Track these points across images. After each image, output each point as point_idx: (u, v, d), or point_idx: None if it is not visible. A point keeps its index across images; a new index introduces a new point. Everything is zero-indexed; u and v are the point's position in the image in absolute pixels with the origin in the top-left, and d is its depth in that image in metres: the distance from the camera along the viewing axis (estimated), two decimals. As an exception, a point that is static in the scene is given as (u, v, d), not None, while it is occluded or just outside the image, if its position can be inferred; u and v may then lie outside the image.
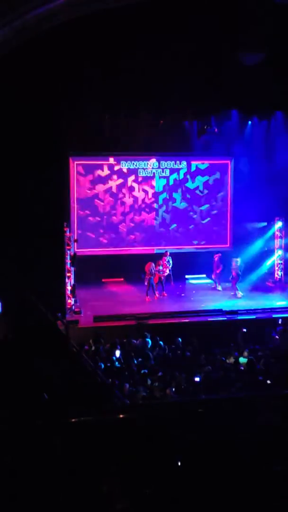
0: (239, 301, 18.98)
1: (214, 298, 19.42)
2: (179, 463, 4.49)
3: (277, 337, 15.30)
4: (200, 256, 21.98)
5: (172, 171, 22.51)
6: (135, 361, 12.95)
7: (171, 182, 22.51)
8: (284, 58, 15.32)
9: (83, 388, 9.71)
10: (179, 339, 14.52)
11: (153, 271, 19.18)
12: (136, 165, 22.15)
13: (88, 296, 19.18)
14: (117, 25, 13.47)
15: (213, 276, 20.82)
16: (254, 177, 21.58)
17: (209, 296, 19.69)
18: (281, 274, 21.90)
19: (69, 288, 17.63)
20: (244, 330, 15.48)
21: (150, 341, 14.41)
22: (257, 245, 22.11)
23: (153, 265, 19.28)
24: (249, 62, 14.93)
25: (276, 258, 22.02)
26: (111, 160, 21.97)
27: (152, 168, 22.32)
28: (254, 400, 6.34)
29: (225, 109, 20.01)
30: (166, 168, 22.44)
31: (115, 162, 22.00)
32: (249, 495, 3.91)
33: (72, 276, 17.94)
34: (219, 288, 20.40)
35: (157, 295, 19.25)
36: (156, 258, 20.52)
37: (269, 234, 22.19)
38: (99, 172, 21.95)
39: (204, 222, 22.89)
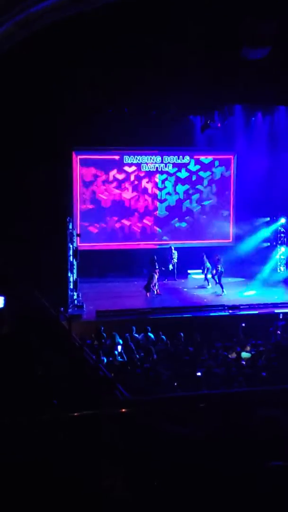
0: (242, 296, 19.00)
1: (216, 293, 19.42)
2: (180, 457, 4.51)
3: (279, 332, 15.32)
4: (203, 251, 21.97)
5: (175, 165, 22.51)
6: (137, 356, 12.99)
7: (174, 177, 22.51)
8: (289, 53, 15.26)
9: (85, 382, 9.74)
10: (182, 334, 14.54)
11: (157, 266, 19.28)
12: (139, 160, 22.16)
13: (91, 290, 19.21)
14: (121, 19, 13.42)
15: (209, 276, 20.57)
16: (257, 172, 21.54)
17: (211, 291, 19.70)
18: (284, 270, 21.91)
19: (71, 282, 17.64)
20: (243, 324, 15.50)
21: (152, 336, 14.44)
22: (259, 237, 22.13)
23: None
24: (253, 57, 14.85)
25: (279, 253, 22.06)
26: (115, 155, 21.97)
27: (155, 162, 22.31)
28: (256, 395, 6.35)
29: (228, 104, 19.95)
30: (169, 162, 22.44)
31: (118, 157, 22.00)
32: (249, 489, 3.93)
33: (75, 270, 17.96)
34: (209, 286, 20.27)
35: (158, 290, 19.26)
36: (159, 253, 20.56)
37: (272, 229, 22.19)
38: (102, 166, 21.95)
39: (206, 217, 22.88)
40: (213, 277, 19.95)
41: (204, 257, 20.37)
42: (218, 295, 19.22)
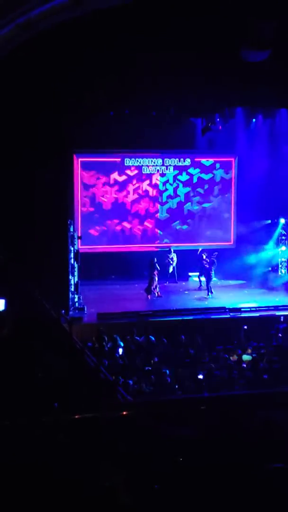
0: (243, 298, 18.96)
1: (217, 295, 19.37)
2: (181, 460, 4.50)
3: (280, 334, 15.29)
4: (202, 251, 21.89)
5: (176, 168, 22.51)
6: (138, 358, 12.97)
7: (175, 179, 22.51)
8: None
9: (86, 384, 9.73)
10: (183, 336, 14.52)
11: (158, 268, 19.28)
12: (140, 162, 22.16)
13: (92, 293, 19.19)
14: (122, 21, 13.43)
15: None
16: (258, 174, 21.54)
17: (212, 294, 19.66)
18: (285, 272, 21.89)
19: (72, 284, 17.61)
20: (245, 327, 15.48)
21: (153, 338, 14.43)
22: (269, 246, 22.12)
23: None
24: (253, 59, 14.86)
25: (280, 255, 22.05)
26: (115, 157, 21.98)
27: (156, 165, 22.32)
28: (257, 398, 6.34)
29: (229, 106, 19.96)
30: (170, 165, 22.44)
31: (119, 159, 22.01)
32: (250, 492, 3.92)
33: (76, 273, 17.95)
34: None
35: (159, 293, 19.23)
36: (160, 255, 20.54)
37: (277, 233, 22.19)
38: (103, 168, 21.95)
39: (208, 219, 22.87)
40: (201, 278, 20.03)
41: (204, 256, 20.25)
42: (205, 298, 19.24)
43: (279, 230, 22.07)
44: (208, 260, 19.72)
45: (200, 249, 20.63)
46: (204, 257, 19.96)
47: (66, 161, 18.71)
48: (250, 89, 17.04)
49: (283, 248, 22.01)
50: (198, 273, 20.67)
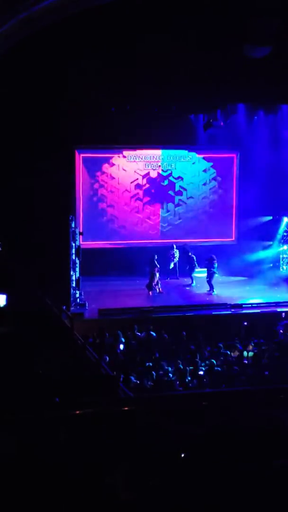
0: (245, 294, 18.96)
1: (219, 291, 19.37)
2: (183, 456, 4.51)
3: (281, 331, 15.29)
4: (205, 250, 21.93)
5: (178, 164, 22.47)
6: (139, 354, 12.98)
7: (176, 175, 22.48)
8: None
9: (87, 380, 9.75)
10: (184, 332, 14.52)
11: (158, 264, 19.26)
12: (142, 158, 22.14)
13: (93, 289, 19.20)
14: (122, 17, 13.41)
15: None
16: (260, 170, 21.51)
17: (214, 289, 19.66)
18: (286, 268, 21.89)
19: (74, 280, 17.62)
20: (245, 323, 15.48)
21: (154, 334, 14.43)
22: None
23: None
24: (255, 55, 14.84)
25: (281, 252, 22.05)
26: (117, 153, 21.96)
27: (158, 160, 22.29)
28: (258, 394, 6.35)
29: (231, 102, 19.92)
30: (172, 160, 22.40)
31: (121, 155, 21.99)
32: (251, 488, 3.93)
33: (77, 269, 17.95)
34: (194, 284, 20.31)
35: (160, 289, 19.23)
36: (161, 251, 20.53)
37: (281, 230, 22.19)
38: (104, 164, 21.95)
39: (209, 215, 22.86)
40: (190, 274, 20.17)
41: (191, 254, 20.34)
42: (209, 294, 19.21)
43: (283, 227, 22.07)
44: (195, 258, 19.85)
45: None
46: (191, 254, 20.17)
47: (67, 156, 18.71)
48: (252, 85, 17.02)
49: (285, 247, 21.99)
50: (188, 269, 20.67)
